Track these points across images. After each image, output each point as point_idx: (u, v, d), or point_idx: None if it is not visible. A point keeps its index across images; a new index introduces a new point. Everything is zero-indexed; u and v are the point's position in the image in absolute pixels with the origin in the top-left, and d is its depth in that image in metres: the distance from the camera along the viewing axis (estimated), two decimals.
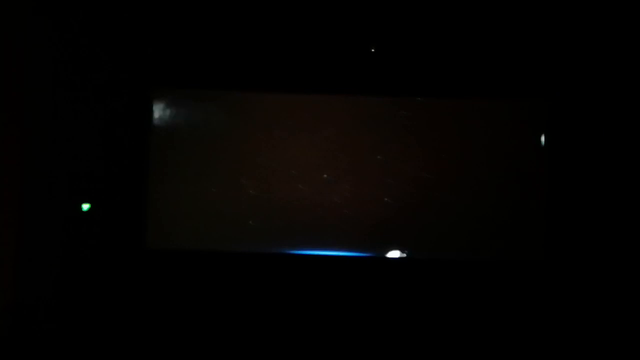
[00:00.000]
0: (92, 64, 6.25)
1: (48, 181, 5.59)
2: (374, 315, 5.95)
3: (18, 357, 4.71)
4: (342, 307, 6.02)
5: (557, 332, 5.44)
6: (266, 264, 6.40)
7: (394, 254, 6.35)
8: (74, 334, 5.32)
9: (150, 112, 6.54)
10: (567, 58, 6.33)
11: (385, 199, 6.30)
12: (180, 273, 6.34)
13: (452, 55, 6.32)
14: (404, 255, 6.30)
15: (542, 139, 6.39)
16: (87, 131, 6.26)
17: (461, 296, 6.17)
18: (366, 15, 5.80)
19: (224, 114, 6.54)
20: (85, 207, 6.18)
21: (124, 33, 6.29)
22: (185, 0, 5.76)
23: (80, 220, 6.15)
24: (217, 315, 5.84)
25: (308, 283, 6.26)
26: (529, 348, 5.40)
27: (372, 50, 6.21)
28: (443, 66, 6.35)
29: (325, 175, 6.36)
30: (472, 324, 5.72)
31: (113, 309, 5.90)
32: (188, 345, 4.75)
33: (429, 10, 5.73)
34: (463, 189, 6.31)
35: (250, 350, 4.89)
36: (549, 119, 6.43)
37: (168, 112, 6.57)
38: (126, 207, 6.38)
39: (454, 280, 6.25)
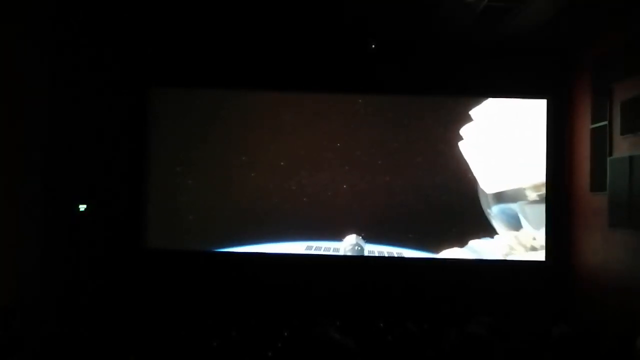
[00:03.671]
0: (91, 65, 6.25)
1: (48, 181, 5.59)
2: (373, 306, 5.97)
3: (18, 357, 4.71)
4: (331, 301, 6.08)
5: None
6: (265, 265, 6.44)
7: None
8: (73, 332, 5.33)
9: (149, 112, 6.56)
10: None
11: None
12: (178, 272, 6.36)
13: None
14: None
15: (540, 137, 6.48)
16: (86, 131, 6.27)
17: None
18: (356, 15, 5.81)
19: (223, 113, 6.58)
20: (82, 207, 6.19)
21: (122, 35, 6.30)
22: (182, 2, 5.75)
23: (80, 220, 6.17)
24: (214, 313, 5.84)
25: (301, 282, 6.32)
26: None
27: (373, 46, 6.22)
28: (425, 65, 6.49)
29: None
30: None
31: (112, 307, 5.90)
32: (185, 343, 4.76)
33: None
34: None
35: (247, 347, 4.90)
36: (548, 117, 6.49)
37: (166, 112, 6.60)
38: (125, 207, 6.41)
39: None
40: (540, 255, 6.42)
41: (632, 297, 4.98)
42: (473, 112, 6.52)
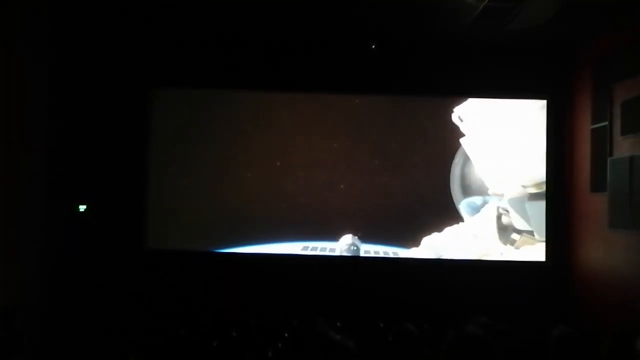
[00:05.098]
0: (90, 66, 6.26)
1: (48, 181, 5.59)
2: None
3: (18, 357, 4.71)
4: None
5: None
6: (264, 265, 6.44)
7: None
8: (73, 332, 5.33)
9: (149, 112, 6.56)
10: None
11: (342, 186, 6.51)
12: (178, 272, 6.36)
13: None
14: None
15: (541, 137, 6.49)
16: (86, 132, 6.28)
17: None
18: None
19: (221, 114, 6.58)
20: (82, 207, 6.21)
21: (122, 35, 6.31)
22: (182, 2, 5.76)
23: (80, 220, 6.19)
24: (214, 313, 5.85)
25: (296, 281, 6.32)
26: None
27: (373, 46, 6.22)
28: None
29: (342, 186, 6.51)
30: None
31: (112, 307, 5.90)
32: (185, 343, 4.77)
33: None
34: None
35: (247, 347, 4.91)
36: (548, 117, 6.49)
37: (166, 112, 6.59)
38: (126, 207, 6.41)
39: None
40: (537, 255, 6.42)
41: (632, 297, 4.98)
42: (472, 112, 6.52)
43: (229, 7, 5.49)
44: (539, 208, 6.44)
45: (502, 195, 6.49)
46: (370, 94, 6.58)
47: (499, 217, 6.49)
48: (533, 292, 6.23)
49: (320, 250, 6.50)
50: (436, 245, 6.49)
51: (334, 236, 6.49)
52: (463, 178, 6.52)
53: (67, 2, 5.51)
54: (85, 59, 6.20)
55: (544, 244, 6.43)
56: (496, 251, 6.47)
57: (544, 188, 6.45)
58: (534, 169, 6.47)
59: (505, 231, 6.49)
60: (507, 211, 6.49)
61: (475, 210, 6.51)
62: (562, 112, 6.44)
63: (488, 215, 6.50)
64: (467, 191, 6.51)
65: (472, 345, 2.16)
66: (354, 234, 6.48)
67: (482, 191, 6.52)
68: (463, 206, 6.51)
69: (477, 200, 6.52)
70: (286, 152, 6.53)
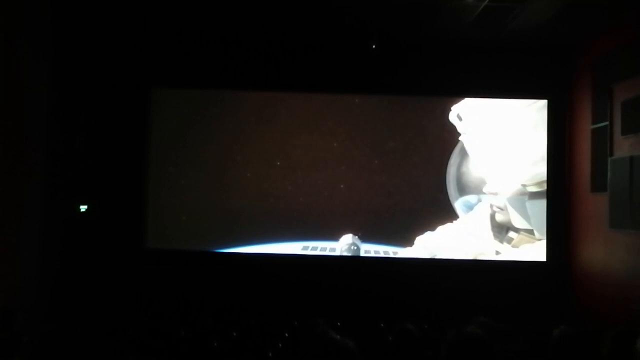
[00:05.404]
0: (91, 66, 6.26)
1: (49, 182, 5.59)
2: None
3: (18, 357, 4.71)
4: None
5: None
6: (264, 265, 6.44)
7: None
8: (73, 332, 5.33)
9: (150, 113, 6.57)
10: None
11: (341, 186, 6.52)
12: (178, 272, 6.36)
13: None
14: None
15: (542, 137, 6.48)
16: (87, 132, 6.28)
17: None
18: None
19: (221, 114, 6.58)
20: (83, 208, 6.21)
21: (123, 36, 6.31)
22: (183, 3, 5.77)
23: (80, 220, 6.19)
24: (214, 313, 5.84)
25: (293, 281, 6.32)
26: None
27: (373, 46, 6.21)
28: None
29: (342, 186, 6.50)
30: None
31: (112, 307, 5.90)
32: (185, 343, 4.77)
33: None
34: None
35: (247, 347, 4.92)
36: (548, 117, 6.49)
37: (167, 112, 6.60)
38: (126, 207, 6.41)
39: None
40: (536, 254, 6.42)
41: (632, 297, 4.98)
42: (472, 111, 6.52)
43: (229, 7, 5.49)
44: (539, 206, 6.44)
45: (496, 194, 6.49)
46: (370, 93, 6.58)
47: (492, 216, 6.49)
48: (533, 292, 6.23)
49: (320, 250, 6.50)
50: (431, 245, 6.49)
51: (334, 236, 6.49)
52: (459, 177, 6.53)
53: (68, 2, 5.51)
54: (86, 58, 6.21)
55: (542, 242, 6.43)
56: (492, 249, 6.47)
57: (544, 187, 6.46)
58: (534, 168, 6.48)
59: (500, 229, 6.49)
60: (501, 209, 6.50)
61: (470, 208, 6.53)
62: (562, 112, 6.45)
63: (482, 214, 6.51)
64: (462, 190, 6.52)
65: (472, 345, 2.15)
66: (354, 234, 6.48)
67: (477, 190, 6.54)
68: (459, 205, 6.53)
69: (472, 199, 6.54)
70: (286, 152, 6.53)
